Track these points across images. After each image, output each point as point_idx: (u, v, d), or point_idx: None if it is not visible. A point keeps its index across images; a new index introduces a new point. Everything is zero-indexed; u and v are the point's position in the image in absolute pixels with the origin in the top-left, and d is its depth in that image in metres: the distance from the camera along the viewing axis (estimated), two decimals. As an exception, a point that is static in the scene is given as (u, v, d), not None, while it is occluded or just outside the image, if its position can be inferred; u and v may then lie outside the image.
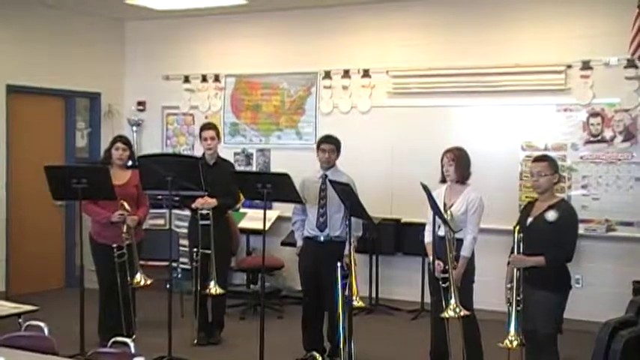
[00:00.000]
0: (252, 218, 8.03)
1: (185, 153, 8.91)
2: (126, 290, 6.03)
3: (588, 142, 7.15)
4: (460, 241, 5.11)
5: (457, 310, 4.76)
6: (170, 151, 9.14)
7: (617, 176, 7.04)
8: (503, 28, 7.49)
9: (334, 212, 5.82)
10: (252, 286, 8.24)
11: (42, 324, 3.91)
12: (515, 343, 4.53)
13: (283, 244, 7.79)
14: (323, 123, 8.27)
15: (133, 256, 5.92)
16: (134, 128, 9.22)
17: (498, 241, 6.37)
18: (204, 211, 6.13)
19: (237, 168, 7.99)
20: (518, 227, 4.78)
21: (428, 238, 5.30)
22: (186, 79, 9.06)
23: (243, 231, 7.93)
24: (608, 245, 7.08)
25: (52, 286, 8.54)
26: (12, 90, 8.10)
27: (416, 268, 7.41)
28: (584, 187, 7.15)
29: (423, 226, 5.46)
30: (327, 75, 8.30)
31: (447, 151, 5.32)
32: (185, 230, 7.21)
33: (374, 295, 7.85)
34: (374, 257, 7.85)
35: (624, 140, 7.00)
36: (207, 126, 6.58)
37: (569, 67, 7.17)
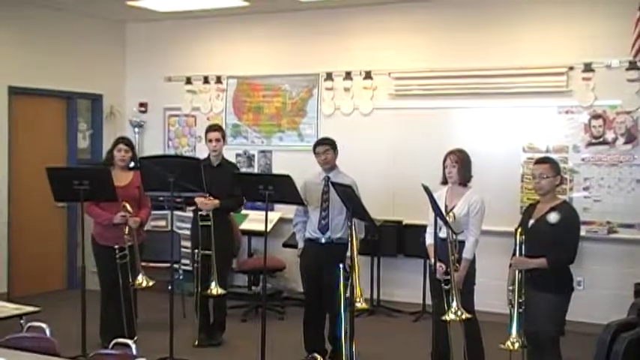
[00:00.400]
0: (253, 220, 8.03)
1: (187, 154, 8.92)
2: (127, 292, 6.03)
3: (590, 144, 7.14)
4: (461, 244, 5.11)
5: (459, 312, 4.76)
6: (172, 152, 9.15)
7: (619, 178, 7.03)
8: (505, 30, 7.49)
9: (336, 214, 5.82)
10: (253, 287, 8.25)
11: (44, 325, 3.91)
12: (517, 345, 4.53)
13: (285, 245, 7.78)
14: (325, 125, 8.27)
15: (134, 257, 5.92)
16: (136, 130, 9.23)
17: (500, 243, 6.37)
18: (204, 212, 6.14)
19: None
20: (520, 229, 4.78)
21: (429, 240, 5.30)
22: (188, 81, 9.07)
23: (245, 232, 7.93)
24: (609, 247, 7.07)
25: (53, 288, 8.56)
26: (14, 91, 8.11)
27: (417, 270, 7.41)
28: (585, 189, 7.14)
29: (424, 228, 5.46)
30: (329, 77, 8.30)
31: (450, 152, 5.32)
32: (187, 232, 7.22)
33: (375, 296, 7.86)
34: (376, 259, 7.85)
35: (626, 142, 7.00)
36: (213, 127, 6.58)
37: (570, 69, 7.17)
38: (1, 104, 8.01)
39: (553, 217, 4.71)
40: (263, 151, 8.75)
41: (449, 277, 4.91)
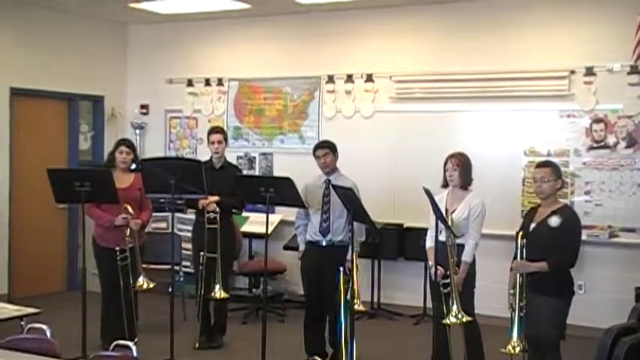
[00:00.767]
0: (254, 222, 8.03)
1: (188, 156, 8.91)
2: (128, 293, 6.02)
3: (591, 148, 7.14)
4: (461, 247, 5.12)
5: (459, 316, 4.76)
6: (173, 154, 9.15)
7: (620, 182, 7.03)
8: (507, 33, 7.49)
9: (337, 217, 5.82)
10: (254, 290, 8.24)
11: (44, 327, 3.91)
12: (517, 348, 4.53)
13: (286, 248, 7.78)
14: (326, 127, 8.28)
15: (135, 259, 5.92)
16: (137, 131, 9.23)
17: (501, 247, 6.37)
18: (211, 215, 6.13)
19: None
20: (521, 233, 4.78)
21: (429, 243, 5.30)
22: (190, 83, 9.08)
23: (246, 235, 7.93)
24: (610, 251, 7.07)
25: (54, 289, 8.55)
26: (15, 93, 8.12)
27: (418, 274, 7.40)
28: (587, 193, 7.14)
29: (425, 231, 5.46)
30: (331, 79, 8.30)
31: (451, 156, 5.32)
32: (188, 234, 7.22)
33: (376, 299, 7.85)
34: (376, 262, 7.84)
35: (627, 146, 7.00)
36: (215, 130, 6.59)
37: (572, 72, 7.17)
38: (2, 105, 8.01)
39: (554, 221, 4.71)
40: (264, 154, 8.75)
41: (448, 280, 4.91)
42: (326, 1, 7.77)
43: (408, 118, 7.91)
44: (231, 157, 7.52)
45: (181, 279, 7.72)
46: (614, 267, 7.05)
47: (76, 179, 5.54)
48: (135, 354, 3.56)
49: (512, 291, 4.71)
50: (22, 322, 4.74)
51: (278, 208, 7.56)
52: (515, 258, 4.76)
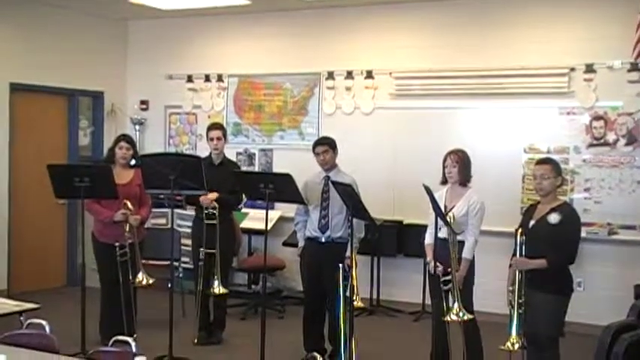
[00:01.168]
0: (254, 218, 8.03)
1: (187, 152, 8.92)
2: (127, 289, 6.02)
3: (591, 145, 7.14)
4: (461, 244, 5.11)
5: (460, 314, 4.76)
6: (173, 150, 9.15)
7: (620, 179, 7.03)
8: (507, 30, 7.49)
9: (336, 214, 5.82)
10: (253, 286, 8.25)
11: (43, 322, 3.91)
12: (516, 345, 4.53)
13: (285, 244, 7.78)
14: (325, 124, 8.28)
15: (135, 255, 5.92)
16: (137, 127, 9.23)
17: (500, 244, 6.37)
18: (210, 211, 6.13)
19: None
20: (520, 230, 4.78)
21: (428, 239, 5.30)
22: (189, 79, 9.07)
23: (245, 231, 7.93)
24: (610, 249, 7.07)
25: (53, 285, 8.56)
26: (15, 88, 8.11)
27: (417, 270, 7.40)
28: (586, 190, 7.14)
29: (424, 227, 5.45)
30: (330, 76, 8.30)
31: (451, 152, 5.32)
32: (187, 230, 7.22)
33: (375, 296, 7.85)
34: (375, 259, 7.84)
35: (627, 144, 7.00)
36: (214, 126, 6.58)
37: (572, 70, 7.17)
38: (2, 101, 8.00)
39: (554, 218, 4.71)
40: (264, 150, 8.75)
41: (448, 277, 4.91)
42: (326, -2, 7.78)
43: (408, 115, 7.90)
44: (230, 154, 7.52)
45: (180, 275, 7.71)
46: (613, 264, 7.05)
47: (76, 175, 5.55)
48: (134, 349, 3.56)
49: (511, 288, 4.71)
50: (22, 318, 4.74)
51: (277, 205, 7.55)
52: (514, 255, 4.76)
